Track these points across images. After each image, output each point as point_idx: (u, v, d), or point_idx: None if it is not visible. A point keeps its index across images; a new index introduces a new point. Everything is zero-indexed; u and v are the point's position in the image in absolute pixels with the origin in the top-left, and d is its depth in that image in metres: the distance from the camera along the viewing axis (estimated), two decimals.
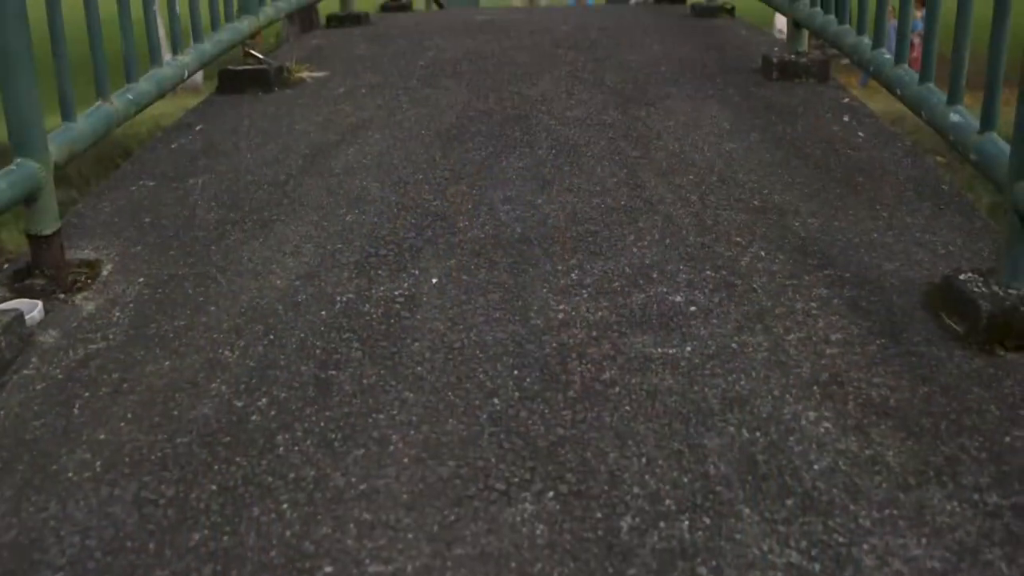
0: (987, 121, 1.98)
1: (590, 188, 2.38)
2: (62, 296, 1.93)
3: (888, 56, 2.61)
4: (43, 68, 1.94)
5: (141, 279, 1.99)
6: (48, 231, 1.99)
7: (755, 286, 1.86)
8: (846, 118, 2.93)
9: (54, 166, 2.06)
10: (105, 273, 2.03)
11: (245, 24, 3.59)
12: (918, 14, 9.23)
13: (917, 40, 5.67)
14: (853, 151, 2.65)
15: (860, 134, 2.80)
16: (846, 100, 3.14)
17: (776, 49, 3.68)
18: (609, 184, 2.41)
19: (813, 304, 1.79)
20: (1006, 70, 1.90)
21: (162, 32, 2.97)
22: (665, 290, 1.85)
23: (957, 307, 1.75)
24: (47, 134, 2.07)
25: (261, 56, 3.62)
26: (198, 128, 3.07)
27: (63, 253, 2.04)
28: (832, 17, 3.17)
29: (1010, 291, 1.72)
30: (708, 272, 1.93)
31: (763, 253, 2.01)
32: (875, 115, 3.00)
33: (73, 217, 2.37)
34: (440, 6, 9.01)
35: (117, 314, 1.85)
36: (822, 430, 1.42)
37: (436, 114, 3.05)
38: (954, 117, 2.12)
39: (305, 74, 3.66)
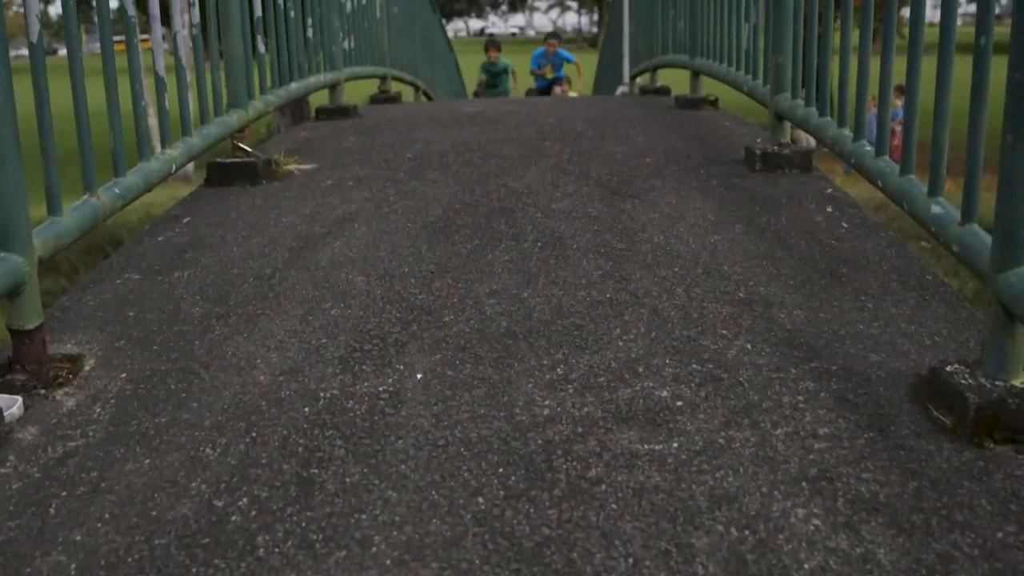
0: (967, 212, 2.00)
1: (576, 281, 2.39)
2: (43, 392, 1.91)
3: (869, 148, 2.65)
4: (30, 158, 1.95)
5: (123, 374, 1.97)
6: (30, 326, 1.98)
7: (742, 380, 1.86)
8: (829, 209, 2.96)
9: (38, 260, 2.06)
10: (87, 368, 2.01)
11: (234, 118, 3.63)
12: (898, 103, 9.43)
13: (898, 128, 5.76)
14: (837, 242, 2.66)
15: (844, 225, 2.82)
16: (829, 191, 3.17)
17: (759, 140, 3.73)
18: (595, 277, 2.42)
19: (800, 398, 1.78)
20: (985, 155, 1.93)
21: (152, 122, 3.00)
22: (651, 384, 1.84)
23: (945, 400, 1.74)
24: (32, 228, 2.07)
25: (249, 149, 3.65)
26: (185, 221, 3.08)
27: (45, 347, 2.02)
28: (813, 109, 3.23)
29: (996, 383, 1.71)
30: (694, 366, 1.92)
31: (749, 346, 2.01)
32: (858, 205, 3.03)
33: (57, 310, 2.36)
34: (429, 98, 9.15)
35: (98, 410, 1.82)
36: (812, 527, 1.39)
37: (423, 207, 3.07)
38: (935, 209, 2.14)
39: (293, 166, 3.69)
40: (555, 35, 14.30)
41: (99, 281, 2.57)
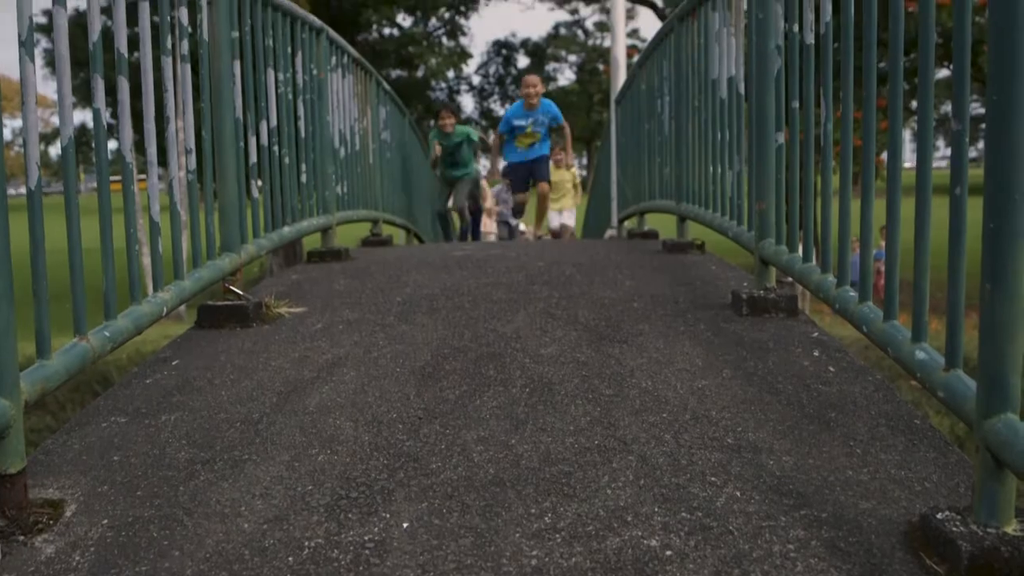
0: (952, 358, 2.02)
1: (564, 427, 2.38)
2: (21, 538, 1.87)
3: (852, 294, 2.69)
4: (22, 294, 1.96)
5: (105, 521, 1.94)
6: (13, 470, 1.95)
7: (731, 528, 1.84)
8: (816, 353, 2.98)
9: (24, 404, 2.05)
10: (69, 514, 1.98)
11: (227, 261, 3.68)
12: (882, 243, 9.57)
13: (882, 267, 5.84)
14: (825, 386, 2.67)
15: (831, 369, 2.83)
16: (816, 335, 3.20)
17: (745, 285, 3.78)
18: (583, 423, 2.41)
19: (791, 547, 1.76)
20: (968, 293, 1.96)
21: (145, 261, 3.03)
22: (640, 534, 1.82)
23: (937, 548, 1.72)
24: (20, 371, 2.07)
25: (240, 292, 3.68)
26: (174, 363, 3.08)
27: (26, 492, 1.99)
28: (797, 255, 3.28)
29: (988, 530, 1.70)
30: (683, 514, 1.90)
31: (738, 493, 1.99)
32: (844, 349, 3.05)
33: (41, 453, 2.33)
34: (420, 240, 9.28)
35: (77, 558, 1.79)
36: None
37: (412, 351, 3.08)
38: (920, 355, 2.16)
39: (284, 310, 3.71)
40: (534, 74, 10.29)
41: (85, 424, 2.56)
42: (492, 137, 11.25)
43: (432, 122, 10.80)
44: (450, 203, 10.36)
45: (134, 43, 2.96)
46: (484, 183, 11.79)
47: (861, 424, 2.39)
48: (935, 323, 2.32)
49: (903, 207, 2.41)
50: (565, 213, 12.61)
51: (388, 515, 1.93)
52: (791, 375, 2.76)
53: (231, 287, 3.69)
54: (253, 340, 3.32)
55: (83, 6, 2.86)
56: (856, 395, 2.60)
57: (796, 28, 3.19)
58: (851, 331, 3.55)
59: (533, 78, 9.75)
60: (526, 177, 9.92)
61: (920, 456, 2.19)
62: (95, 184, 2.78)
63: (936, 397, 2.05)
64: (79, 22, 6.05)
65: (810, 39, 3.06)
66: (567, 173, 12.56)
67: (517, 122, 9.61)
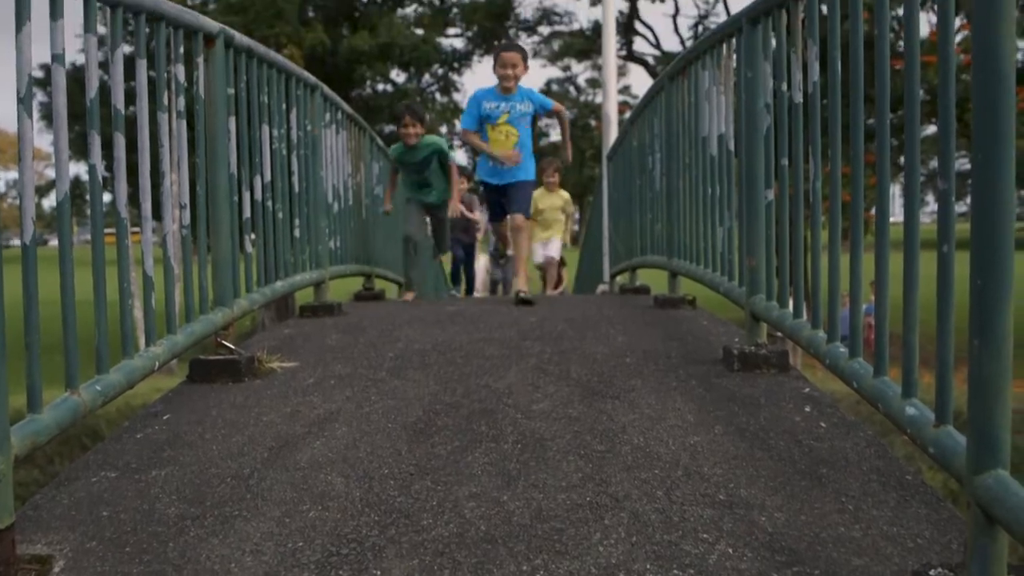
0: (942, 414, 2.03)
1: (556, 483, 2.38)
2: None
3: (843, 350, 2.70)
4: (15, 346, 1.96)
5: None
6: (1, 525, 1.94)
7: None
8: (808, 408, 2.99)
9: (14, 459, 2.04)
10: (57, 569, 1.97)
11: (219, 316, 3.68)
12: (871, 297, 9.62)
13: (872, 321, 5.87)
14: (816, 442, 2.67)
15: (822, 424, 2.83)
16: (807, 390, 3.20)
17: (736, 340, 3.79)
18: (575, 479, 2.41)
19: None
20: (956, 344, 1.97)
21: (138, 314, 3.03)
22: None
23: None
24: (10, 427, 2.07)
25: (233, 347, 3.68)
26: (165, 418, 3.08)
27: (14, 548, 1.98)
28: (788, 311, 3.30)
29: None
30: (676, 571, 1.89)
31: (731, 550, 1.99)
32: (836, 404, 3.05)
33: (30, 508, 2.32)
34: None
35: None
36: None
37: (404, 407, 3.08)
38: (910, 411, 2.17)
39: (276, 364, 3.71)
40: (515, 47, 6.85)
41: (74, 478, 2.54)
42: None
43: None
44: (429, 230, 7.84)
45: (130, 97, 3.00)
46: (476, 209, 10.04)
47: (853, 480, 2.39)
48: (926, 376, 2.34)
49: (892, 261, 2.43)
50: (552, 244, 9.88)
51: (379, 572, 1.92)
52: (783, 431, 2.76)
53: (223, 341, 3.69)
54: (245, 395, 3.32)
55: (80, 60, 2.88)
56: (848, 451, 2.60)
57: (784, 87, 3.24)
58: (842, 385, 3.56)
59: (513, 55, 6.25)
60: (500, 204, 6.54)
61: (912, 512, 2.19)
62: (87, 236, 2.80)
63: (927, 453, 2.05)
64: (75, 76, 6.11)
65: (798, 98, 3.11)
66: (558, 198, 9.87)
67: (487, 105, 6.14)
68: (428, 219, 7.49)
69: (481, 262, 11.47)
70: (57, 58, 2.44)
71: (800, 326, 3.12)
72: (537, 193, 8.94)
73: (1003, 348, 1.76)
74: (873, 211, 2.59)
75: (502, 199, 6.42)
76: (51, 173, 2.61)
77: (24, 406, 2.23)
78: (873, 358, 2.46)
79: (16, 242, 2.55)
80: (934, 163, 2.27)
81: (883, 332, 2.43)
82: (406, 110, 6.97)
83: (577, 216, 10.86)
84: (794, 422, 2.85)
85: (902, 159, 2.34)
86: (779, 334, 3.51)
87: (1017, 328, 1.92)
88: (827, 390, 3.68)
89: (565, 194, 10.14)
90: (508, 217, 6.41)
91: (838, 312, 2.83)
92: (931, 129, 12.06)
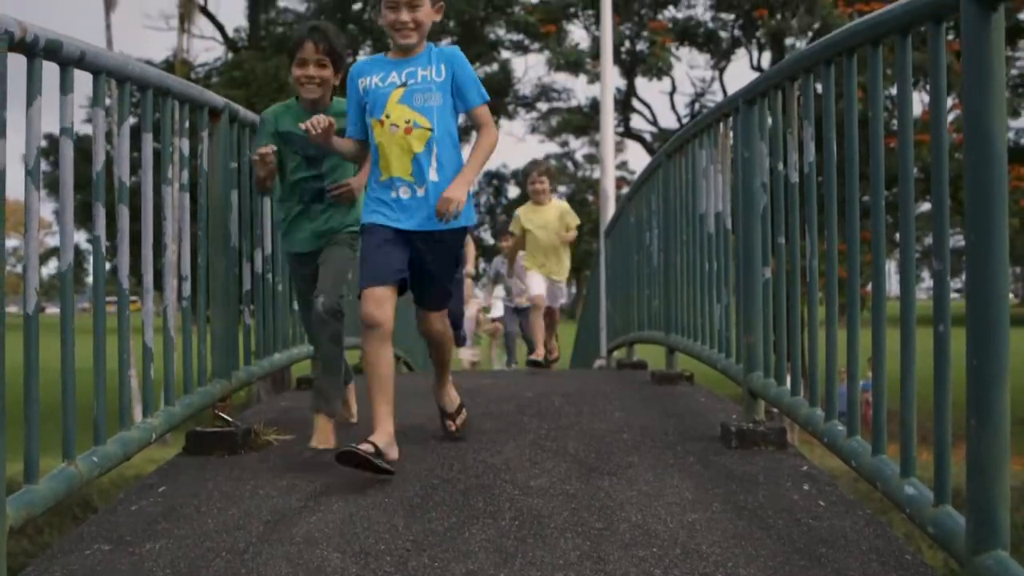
0: (941, 494, 2.03)
1: (553, 561, 2.36)
2: None
3: (841, 428, 2.71)
4: (14, 412, 1.97)
5: None
6: None
7: None
8: (806, 487, 2.97)
9: (9, 530, 2.03)
10: None
11: (217, 388, 3.68)
12: (868, 373, 9.62)
13: (870, 398, 5.87)
14: (815, 521, 2.66)
15: (821, 503, 2.82)
16: (805, 468, 3.19)
17: (734, 417, 3.79)
18: (572, 557, 2.39)
19: None
20: (955, 420, 1.98)
21: (134, 383, 3.04)
22: None
23: None
24: (6, 497, 2.06)
25: (230, 419, 3.67)
26: (160, 490, 3.06)
27: None
28: (785, 388, 3.31)
29: None
30: None
31: None
32: (835, 483, 3.04)
33: None
34: (410, 368, 9.24)
35: None
36: None
37: (400, 481, 3.06)
38: (909, 490, 2.17)
39: (272, 437, 3.70)
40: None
41: (68, 551, 2.52)
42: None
43: None
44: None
45: (133, 168, 3.04)
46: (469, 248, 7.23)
47: (852, 560, 2.37)
48: (924, 453, 2.35)
49: (889, 338, 2.45)
50: (554, 290, 7.18)
51: None
52: (781, 509, 2.75)
53: (221, 413, 3.68)
54: (241, 468, 3.30)
55: (80, 130, 2.91)
56: (847, 530, 2.58)
57: (781, 166, 3.29)
58: (841, 462, 3.55)
59: None
60: (400, 263, 3.32)
61: None
62: (84, 304, 2.82)
63: (926, 533, 2.05)
64: (78, 146, 6.14)
65: (794, 177, 3.15)
66: (552, 211, 6.96)
67: (368, 80, 3.35)
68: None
69: (471, 309, 9.73)
70: (66, 131, 2.48)
71: (798, 403, 3.13)
72: (522, 210, 7.02)
73: (1000, 428, 1.78)
74: (869, 287, 2.62)
75: (406, 262, 3.31)
76: (50, 241, 2.63)
77: (20, 472, 2.22)
78: (871, 435, 2.46)
79: (12, 309, 2.56)
80: (929, 239, 2.30)
81: (881, 410, 2.44)
82: (312, 33, 3.74)
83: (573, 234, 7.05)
84: (792, 500, 2.84)
85: (897, 236, 2.37)
86: (777, 411, 3.51)
87: (1015, 405, 1.93)
88: (825, 467, 3.67)
89: (563, 204, 7.15)
90: (418, 314, 3.64)
91: (836, 389, 2.84)
92: (926, 206, 12.19)
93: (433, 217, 3.20)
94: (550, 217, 6.90)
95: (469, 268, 6.83)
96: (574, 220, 6.98)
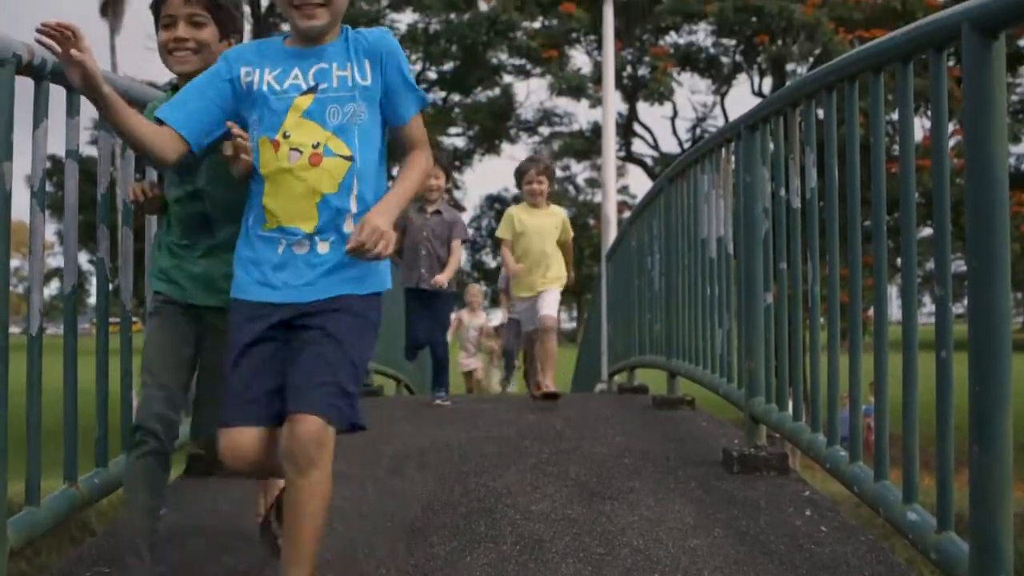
0: (943, 520, 2.03)
1: None
2: None
3: (843, 453, 2.70)
4: (16, 432, 1.97)
5: None
6: None
7: None
8: (808, 512, 2.97)
9: (10, 551, 2.03)
10: None
11: None
12: (870, 398, 9.58)
13: (872, 423, 5.85)
14: (817, 546, 2.65)
15: (823, 528, 2.81)
16: (807, 493, 3.19)
17: (736, 442, 3.78)
18: None
19: None
20: (957, 444, 1.98)
21: (136, 404, 3.03)
22: None
23: None
24: (7, 519, 2.06)
25: None
26: (162, 512, 3.04)
27: None
28: (787, 413, 3.31)
29: None
30: None
31: None
32: (837, 508, 3.03)
33: None
34: (411, 391, 9.23)
35: None
36: None
37: (401, 506, 3.06)
38: (911, 516, 2.17)
39: None
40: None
41: (67, 574, 2.52)
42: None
43: None
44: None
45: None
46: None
47: None
48: (927, 478, 2.34)
49: (891, 363, 2.45)
50: (545, 297, 5.86)
51: None
52: (783, 535, 2.74)
53: None
54: (242, 490, 3.29)
55: (84, 151, 2.93)
56: (849, 556, 2.58)
57: (783, 192, 3.29)
58: (843, 487, 3.54)
59: None
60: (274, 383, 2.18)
61: None
62: (85, 325, 2.83)
63: (929, 559, 2.04)
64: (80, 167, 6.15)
65: (796, 203, 3.16)
66: (548, 214, 5.97)
67: (260, 74, 2.24)
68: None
69: (478, 319, 10.38)
70: (71, 154, 2.49)
71: (800, 429, 3.12)
72: (515, 210, 5.97)
73: (1003, 454, 1.78)
74: (871, 312, 2.63)
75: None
76: (51, 262, 2.64)
77: (21, 493, 2.22)
78: (873, 461, 2.46)
79: (15, 329, 2.57)
80: (931, 264, 2.31)
81: (883, 436, 2.44)
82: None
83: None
84: (794, 526, 2.83)
85: (899, 261, 2.38)
86: (778, 435, 3.51)
87: (1018, 431, 1.93)
88: (827, 492, 3.66)
89: (562, 212, 6.19)
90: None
91: (837, 415, 2.83)
92: (927, 231, 12.19)
93: (334, 283, 2.18)
94: (547, 223, 5.85)
95: (442, 279, 5.45)
96: (570, 235, 6.02)
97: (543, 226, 5.77)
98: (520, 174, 5.88)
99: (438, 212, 5.63)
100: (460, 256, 5.64)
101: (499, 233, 5.83)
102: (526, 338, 6.59)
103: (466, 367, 10.45)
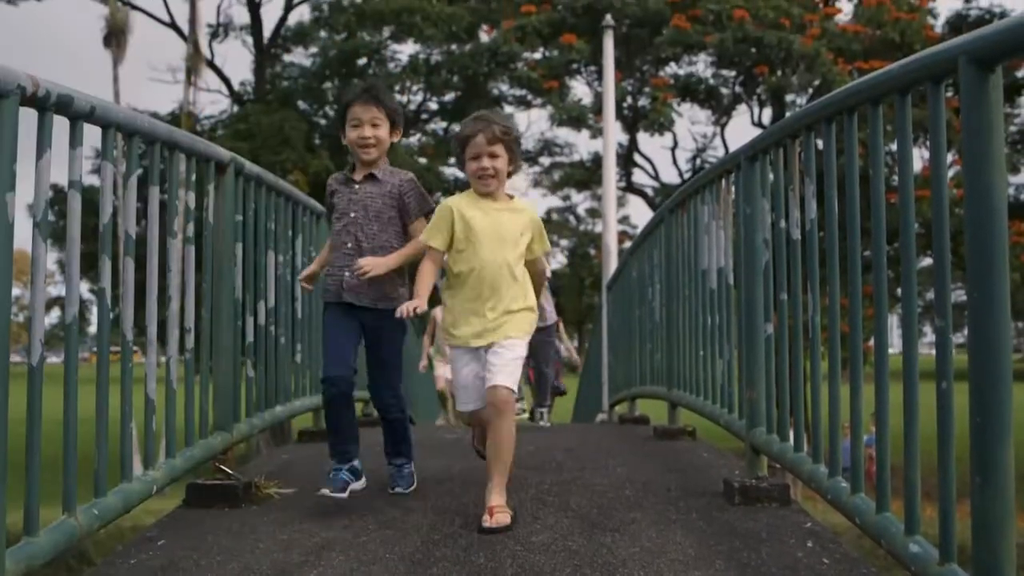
0: (946, 551, 2.02)
1: None
2: None
3: (844, 484, 2.70)
4: (16, 460, 1.97)
5: None
6: None
7: None
8: (810, 544, 2.95)
9: None
10: None
11: (219, 440, 3.67)
12: (872, 428, 9.56)
13: (873, 453, 5.83)
14: None
15: (825, 560, 2.80)
16: (808, 525, 3.17)
17: (737, 473, 3.77)
18: None
19: None
20: (959, 474, 1.97)
21: (135, 433, 3.02)
22: None
23: None
24: (6, 549, 2.05)
25: (231, 472, 3.65)
26: (160, 543, 3.04)
27: None
28: (788, 444, 3.30)
29: None
30: None
31: None
32: (838, 539, 3.02)
33: None
34: (412, 423, 9.16)
35: None
36: None
37: (401, 536, 3.05)
38: (913, 548, 2.16)
39: (273, 490, 3.68)
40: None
41: None
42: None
43: None
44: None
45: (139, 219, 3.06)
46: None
47: None
48: (928, 508, 2.34)
49: (892, 392, 2.44)
50: (502, 354, 3.41)
51: None
52: (785, 566, 2.73)
53: (221, 466, 3.67)
54: (241, 521, 3.28)
55: (86, 181, 2.94)
56: None
57: (783, 223, 3.30)
58: (845, 518, 3.52)
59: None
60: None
61: None
62: (85, 354, 2.83)
63: None
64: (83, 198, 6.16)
65: (796, 234, 3.17)
66: (509, 211, 3.53)
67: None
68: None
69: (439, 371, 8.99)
70: (74, 184, 2.50)
71: (801, 460, 3.12)
72: (455, 201, 3.60)
73: (1005, 485, 1.77)
74: (871, 342, 2.63)
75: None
76: (52, 291, 2.65)
77: (18, 521, 2.21)
78: (875, 491, 2.45)
79: (16, 358, 2.57)
80: (931, 294, 2.32)
81: (884, 468, 2.43)
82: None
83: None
84: (796, 558, 2.82)
85: (899, 291, 2.38)
86: (780, 466, 3.49)
87: (1020, 461, 1.92)
88: (829, 523, 3.65)
89: (528, 207, 3.69)
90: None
91: (839, 447, 2.83)
92: (927, 261, 12.22)
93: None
94: (508, 225, 3.54)
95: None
96: (545, 245, 3.68)
97: (502, 228, 3.52)
98: (461, 143, 3.56)
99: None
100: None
101: (425, 237, 3.50)
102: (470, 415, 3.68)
103: (442, 380, 9.11)
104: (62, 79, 2.37)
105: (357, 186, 3.67)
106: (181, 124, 18.85)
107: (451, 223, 3.46)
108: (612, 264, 10.60)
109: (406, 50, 21.80)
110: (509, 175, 3.57)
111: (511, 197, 3.61)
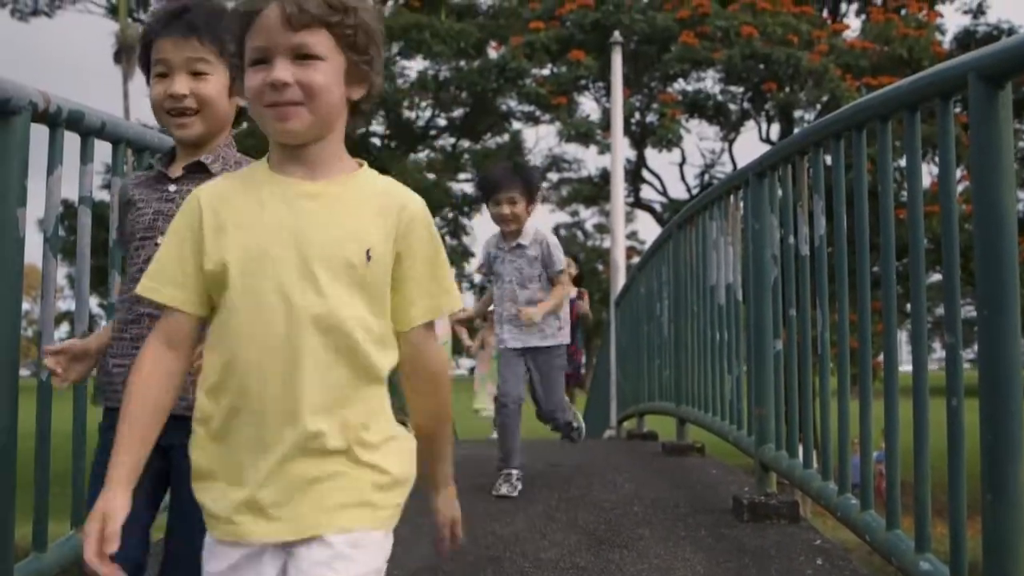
0: (957, 569, 2.01)
1: None
2: None
3: (854, 501, 2.68)
4: (25, 474, 1.96)
5: None
6: None
7: None
8: (819, 561, 2.94)
9: None
10: None
11: None
12: (882, 444, 9.49)
13: (883, 469, 5.78)
14: None
15: None
16: (818, 542, 3.16)
17: (746, 490, 3.76)
18: None
19: None
20: (970, 491, 1.96)
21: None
22: None
23: None
24: (14, 565, 2.05)
25: None
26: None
27: None
28: (798, 461, 3.28)
29: None
30: None
31: None
32: (848, 556, 3.01)
33: None
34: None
35: None
36: None
37: (406, 552, 3.03)
38: (924, 566, 2.14)
39: None
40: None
41: None
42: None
43: None
44: None
45: None
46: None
47: None
48: (939, 525, 2.32)
49: (901, 408, 2.43)
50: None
51: None
52: None
53: None
54: None
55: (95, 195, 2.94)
56: None
57: (791, 239, 3.30)
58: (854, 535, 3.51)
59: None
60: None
61: None
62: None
63: None
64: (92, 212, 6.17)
65: (805, 250, 3.16)
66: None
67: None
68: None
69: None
70: (85, 200, 2.51)
71: (810, 476, 3.10)
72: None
73: (1016, 502, 1.76)
74: (881, 358, 2.62)
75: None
76: (61, 305, 2.65)
77: (27, 535, 2.21)
78: (885, 508, 2.44)
79: (24, 372, 2.57)
80: (940, 310, 2.31)
81: (895, 485, 2.42)
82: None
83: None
84: (806, 575, 2.80)
85: (908, 306, 2.38)
86: (789, 482, 3.48)
87: None
88: (838, 539, 3.63)
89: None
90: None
91: (848, 464, 2.81)
92: (936, 277, 12.18)
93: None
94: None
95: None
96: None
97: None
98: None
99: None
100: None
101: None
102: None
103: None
104: (72, 95, 2.39)
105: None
106: None
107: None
108: (620, 280, 10.58)
109: (415, 66, 21.86)
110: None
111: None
